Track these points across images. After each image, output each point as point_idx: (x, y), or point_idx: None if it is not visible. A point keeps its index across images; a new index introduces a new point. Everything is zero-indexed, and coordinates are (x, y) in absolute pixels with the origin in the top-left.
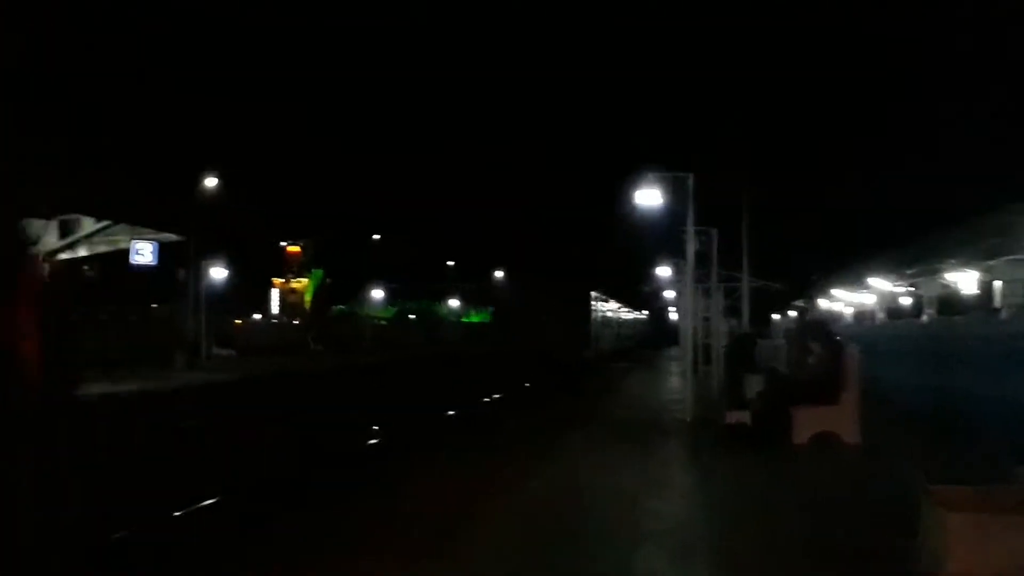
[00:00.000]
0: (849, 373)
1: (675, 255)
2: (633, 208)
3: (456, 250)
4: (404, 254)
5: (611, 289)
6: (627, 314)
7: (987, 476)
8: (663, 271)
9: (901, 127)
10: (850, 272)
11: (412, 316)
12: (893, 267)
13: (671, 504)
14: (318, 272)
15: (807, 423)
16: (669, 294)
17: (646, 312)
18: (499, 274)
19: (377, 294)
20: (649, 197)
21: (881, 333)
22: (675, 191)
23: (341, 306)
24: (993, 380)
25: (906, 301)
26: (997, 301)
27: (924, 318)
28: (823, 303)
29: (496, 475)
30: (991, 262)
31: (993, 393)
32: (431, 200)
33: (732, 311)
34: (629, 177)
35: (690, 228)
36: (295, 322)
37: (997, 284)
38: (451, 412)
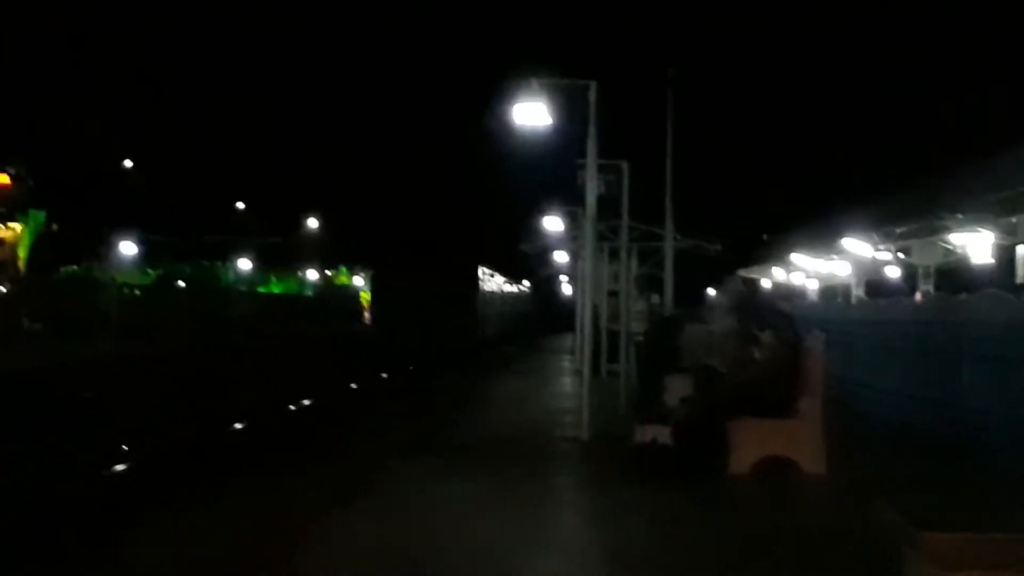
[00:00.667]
0: (811, 374)
1: (570, 202)
2: (510, 132)
3: (251, 188)
4: (172, 192)
5: (473, 249)
6: (504, 287)
7: (997, 522)
8: (552, 224)
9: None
10: (817, 231)
11: (181, 283)
12: (876, 224)
13: None
14: (38, 215)
15: (751, 444)
16: (561, 258)
17: (527, 284)
18: (313, 223)
19: (129, 250)
20: (531, 114)
21: (857, 317)
22: (571, 107)
23: (73, 266)
24: (1016, 388)
25: (893, 272)
26: (1022, 274)
27: (918, 296)
28: (778, 273)
29: (272, 531)
30: (1014, 219)
31: (1016, 411)
32: (212, 113)
33: (652, 284)
34: (505, 87)
35: (591, 160)
36: (1, 289)
37: (1022, 250)
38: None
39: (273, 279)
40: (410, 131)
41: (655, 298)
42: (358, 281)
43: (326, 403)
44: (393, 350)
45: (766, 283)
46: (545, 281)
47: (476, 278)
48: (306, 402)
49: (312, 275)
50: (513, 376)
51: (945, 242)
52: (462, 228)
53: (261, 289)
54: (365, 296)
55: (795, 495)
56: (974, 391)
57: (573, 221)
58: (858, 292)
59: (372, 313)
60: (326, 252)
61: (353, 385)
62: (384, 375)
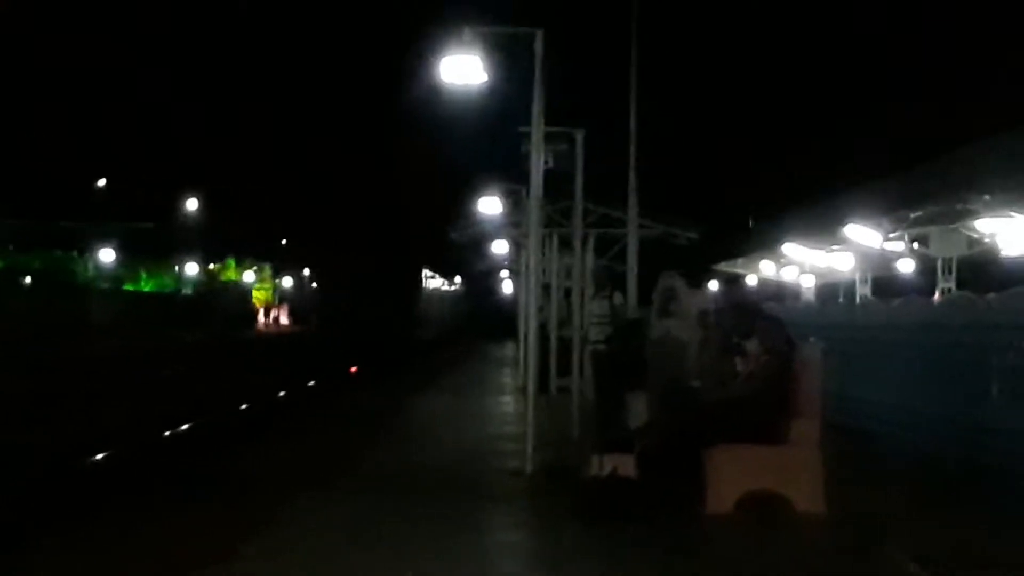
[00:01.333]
0: (806, 391)
1: (511, 179)
2: (438, 94)
3: (116, 162)
4: (17, 165)
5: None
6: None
7: None
8: (489, 205)
9: None
10: (814, 216)
11: (27, 279)
12: (886, 208)
13: None
14: None
15: (733, 476)
16: (501, 248)
17: (458, 281)
18: (192, 205)
19: None
20: (464, 71)
21: (863, 322)
22: (512, 60)
23: None
24: None
25: (906, 267)
26: None
27: (937, 296)
28: (767, 268)
29: None
30: None
31: None
32: (69, 67)
33: (613, 280)
34: (432, 38)
35: (537, 126)
36: None
37: None
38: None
39: (143, 274)
40: (320, 93)
41: (619, 298)
42: (249, 277)
43: (212, 426)
44: (300, 359)
45: (751, 280)
46: (481, 277)
47: (419, 277)
48: (184, 427)
49: (192, 269)
50: (444, 392)
51: (970, 230)
52: (384, 212)
53: (128, 287)
54: (259, 295)
55: (787, 539)
56: (1005, 410)
57: (515, 203)
58: (864, 291)
59: (272, 316)
60: (209, 241)
61: (243, 406)
62: (284, 392)
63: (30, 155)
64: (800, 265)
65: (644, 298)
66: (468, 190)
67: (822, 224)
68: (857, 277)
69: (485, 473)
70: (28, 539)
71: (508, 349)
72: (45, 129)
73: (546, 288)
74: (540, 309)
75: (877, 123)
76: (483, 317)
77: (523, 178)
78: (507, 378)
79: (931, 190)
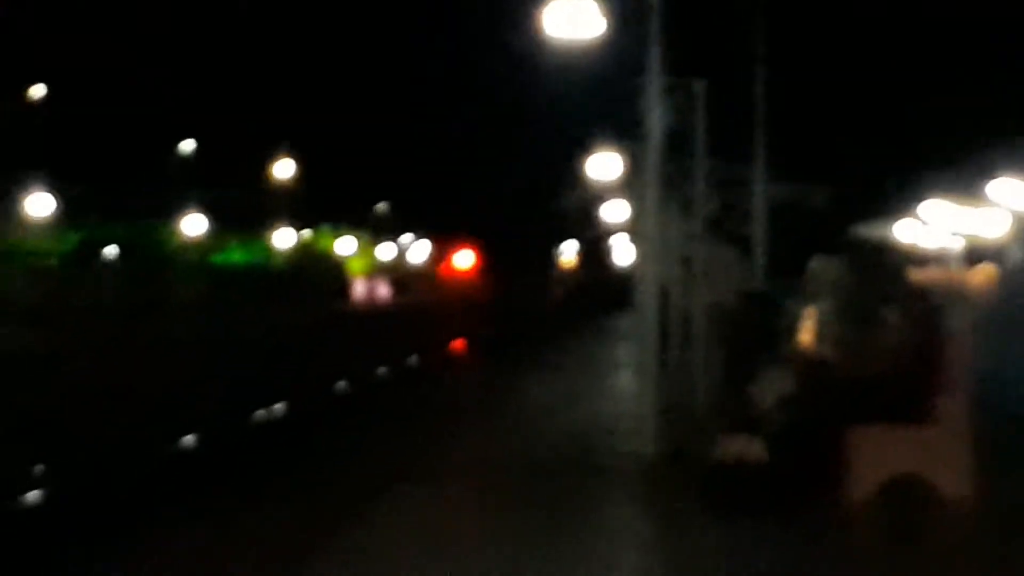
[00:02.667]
0: (955, 366)
1: (625, 135)
2: (542, 43)
3: (202, 123)
4: (98, 125)
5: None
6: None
7: None
8: (600, 167)
9: None
10: (959, 170)
11: (113, 248)
12: None
13: None
14: None
15: (875, 459)
16: (611, 215)
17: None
18: (286, 170)
19: (43, 205)
20: (575, 18)
21: (1014, 290)
22: (626, 11)
23: None
24: None
25: None
26: None
27: None
28: (907, 231)
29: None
30: None
31: None
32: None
33: (738, 246)
34: None
35: (655, 78)
36: None
37: None
38: None
39: (234, 245)
40: (413, 48)
41: (747, 264)
42: (344, 245)
43: (305, 411)
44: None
45: (892, 244)
46: (591, 242)
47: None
48: (278, 409)
49: (285, 238)
50: (559, 369)
51: None
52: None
53: (216, 259)
54: (355, 264)
55: (938, 532)
56: None
57: (633, 162)
58: (1017, 254)
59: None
60: (302, 208)
61: (342, 384)
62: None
63: (109, 114)
64: (942, 225)
65: (773, 266)
66: (573, 155)
67: (968, 178)
68: (1011, 241)
69: (600, 455)
70: None
71: (624, 320)
72: (123, 85)
73: (665, 255)
74: (660, 279)
75: None
76: (595, 286)
77: (635, 133)
78: (622, 350)
79: None
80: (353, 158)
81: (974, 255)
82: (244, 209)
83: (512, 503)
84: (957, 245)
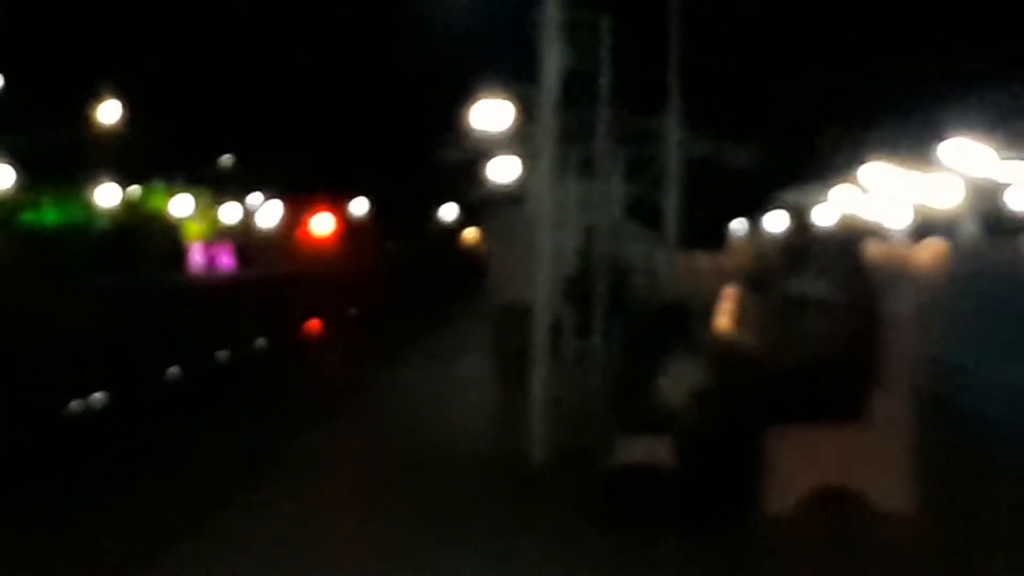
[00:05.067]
0: (893, 356)
1: (520, 76)
2: None
3: (11, 56)
4: None
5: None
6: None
7: None
8: (490, 113)
9: None
10: (905, 129)
11: None
12: (997, 121)
13: None
14: None
15: (801, 466)
16: (504, 172)
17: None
18: (113, 110)
19: None
20: None
21: (968, 270)
22: None
23: None
24: None
25: None
26: None
27: None
28: (844, 198)
29: None
30: None
31: None
32: None
33: (646, 215)
34: None
35: (552, 11)
36: None
37: None
38: None
39: (47, 202)
40: None
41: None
42: (179, 205)
43: (131, 402)
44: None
45: (826, 213)
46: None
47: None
48: (97, 400)
49: (109, 195)
50: (434, 356)
51: None
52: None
53: (27, 218)
54: (193, 228)
55: (871, 547)
56: None
57: (525, 111)
58: (972, 227)
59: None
60: (131, 160)
61: (174, 370)
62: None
63: None
64: (885, 192)
65: (688, 235)
66: (464, 98)
67: (916, 138)
68: (962, 212)
69: (480, 459)
70: None
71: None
72: None
73: (561, 223)
74: (553, 250)
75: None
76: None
77: (531, 75)
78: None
79: None
80: (192, 101)
81: (922, 228)
82: (60, 159)
83: (373, 517)
84: (902, 216)
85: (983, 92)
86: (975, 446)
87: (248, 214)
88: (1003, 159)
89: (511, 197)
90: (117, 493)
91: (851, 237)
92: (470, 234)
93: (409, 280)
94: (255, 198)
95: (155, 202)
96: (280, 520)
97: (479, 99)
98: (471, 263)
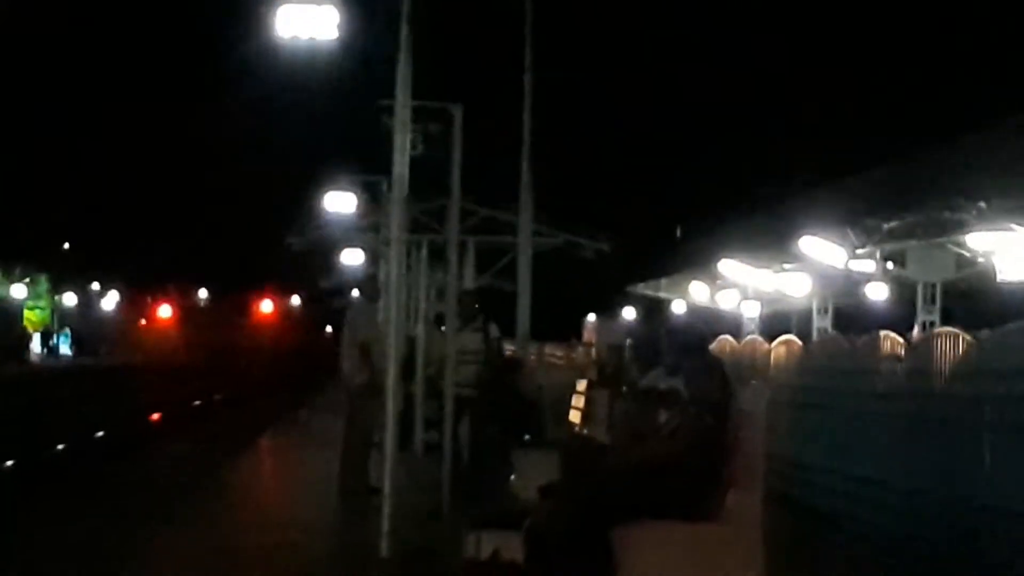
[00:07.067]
0: (745, 452)
1: (368, 169)
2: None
3: None
4: None
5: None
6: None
7: None
8: (338, 203)
9: None
10: (761, 225)
11: None
12: (851, 219)
13: None
14: None
15: (652, 562)
16: (354, 260)
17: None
18: None
19: None
20: (310, 23)
21: (819, 365)
22: (372, 17)
23: None
24: None
25: (878, 292)
26: None
27: (916, 333)
28: (698, 291)
29: None
30: None
31: None
32: None
33: (500, 307)
34: None
35: (403, 96)
36: None
37: None
38: None
39: None
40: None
41: (495, 330)
42: (18, 292)
43: None
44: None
45: (678, 307)
46: (327, 297)
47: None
48: None
49: None
50: (277, 450)
51: (959, 246)
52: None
53: None
54: (33, 316)
55: None
56: (1004, 483)
57: (373, 200)
58: (823, 323)
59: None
60: None
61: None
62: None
63: None
64: (742, 287)
65: (540, 326)
66: (313, 184)
67: (771, 236)
68: (814, 304)
69: (327, 555)
70: None
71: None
72: None
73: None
74: (409, 343)
75: (846, 104)
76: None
77: (382, 167)
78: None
79: (910, 196)
80: (35, 187)
81: (775, 323)
82: None
83: None
84: (756, 311)
85: (840, 188)
86: (816, 539)
87: (88, 302)
88: (857, 256)
89: (362, 285)
90: None
91: (703, 332)
92: (318, 321)
93: (255, 366)
94: (95, 287)
95: None
96: None
97: (328, 189)
98: (317, 350)
